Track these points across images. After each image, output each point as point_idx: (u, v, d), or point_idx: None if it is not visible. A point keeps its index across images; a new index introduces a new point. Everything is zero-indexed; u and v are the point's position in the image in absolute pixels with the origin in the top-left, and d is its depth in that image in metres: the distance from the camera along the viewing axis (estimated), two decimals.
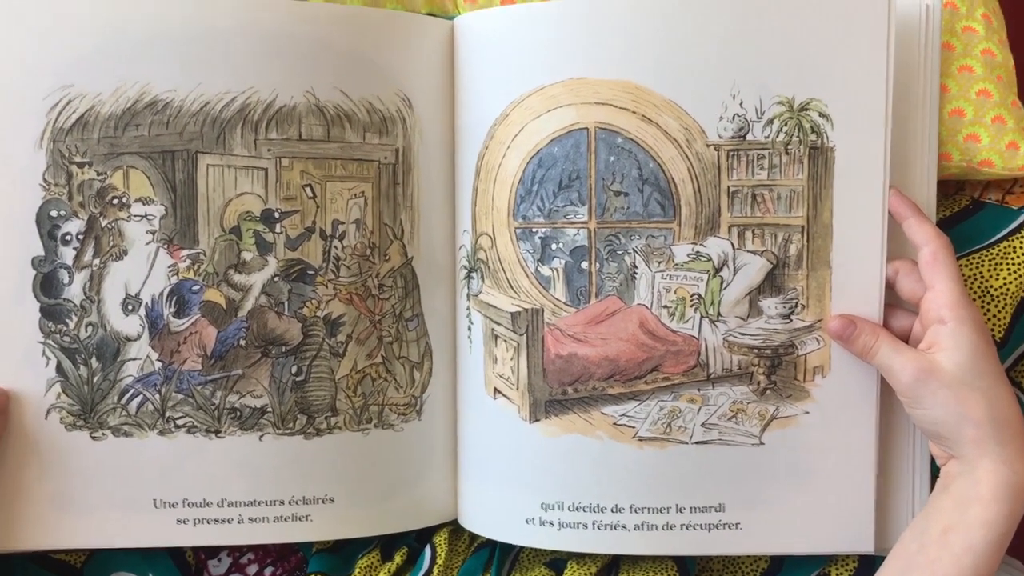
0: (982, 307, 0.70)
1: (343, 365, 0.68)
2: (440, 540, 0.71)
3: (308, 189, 0.67)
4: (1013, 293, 0.69)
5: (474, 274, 0.69)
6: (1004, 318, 0.70)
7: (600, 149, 0.66)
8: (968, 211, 0.72)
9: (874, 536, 0.67)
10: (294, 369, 0.68)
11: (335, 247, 0.68)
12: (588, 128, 0.66)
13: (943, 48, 0.69)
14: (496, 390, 0.69)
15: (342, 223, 0.68)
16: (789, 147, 0.65)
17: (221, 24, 0.65)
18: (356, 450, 0.69)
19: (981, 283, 0.70)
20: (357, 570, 0.70)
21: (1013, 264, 0.70)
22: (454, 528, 0.72)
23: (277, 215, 0.67)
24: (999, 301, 0.70)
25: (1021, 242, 0.70)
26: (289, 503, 0.68)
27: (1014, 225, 0.70)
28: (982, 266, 0.70)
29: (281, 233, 0.67)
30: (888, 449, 0.68)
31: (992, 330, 0.70)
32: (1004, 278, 0.70)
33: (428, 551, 0.71)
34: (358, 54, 0.67)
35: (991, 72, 0.70)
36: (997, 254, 0.70)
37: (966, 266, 0.70)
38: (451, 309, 0.71)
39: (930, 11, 0.67)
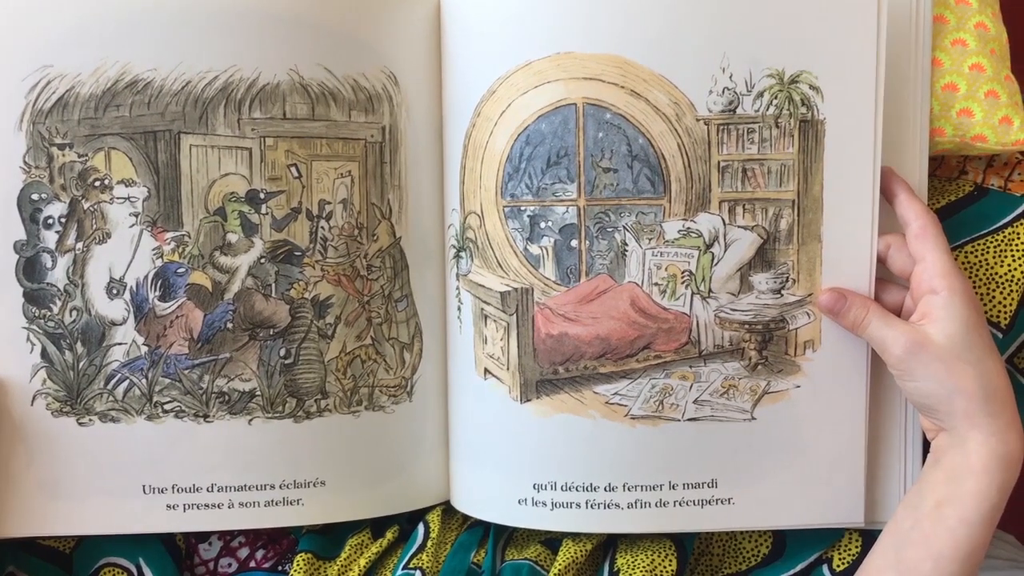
0: (987, 293, 0.70)
1: (332, 347, 0.68)
2: (433, 518, 0.71)
3: (293, 169, 0.66)
4: (1018, 279, 0.69)
5: (463, 253, 0.69)
6: (1010, 304, 0.70)
7: (588, 125, 0.65)
8: (972, 197, 0.71)
9: (864, 509, 0.67)
10: (282, 352, 0.67)
11: (322, 227, 0.67)
12: (576, 104, 0.65)
13: (936, 21, 0.69)
14: (486, 370, 0.68)
15: (329, 203, 0.67)
16: (779, 120, 0.65)
17: (202, 2, 0.64)
18: (347, 433, 0.68)
19: (986, 270, 0.70)
20: (347, 548, 0.70)
21: (1018, 251, 0.69)
22: (447, 507, 0.72)
23: (262, 196, 0.66)
24: (1004, 287, 0.70)
25: None
26: (280, 487, 0.67)
27: (1018, 211, 0.70)
28: (987, 253, 0.70)
29: (267, 214, 0.66)
30: (879, 422, 0.68)
31: (997, 317, 0.70)
32: (1009, 264, 0.69)
33: (421, 528, 0.71)
34: (342, 30, 0.66)
35: (984, 46, 0.69)
36: (1002, 240, 0.70)
37: (971, 252, 0.70)
38: (441, 289, 0.71)
39: None
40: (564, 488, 0.67)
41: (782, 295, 0.66)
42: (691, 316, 0.66)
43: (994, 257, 0.70)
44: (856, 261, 0.65)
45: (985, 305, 0.70)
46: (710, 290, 0.66)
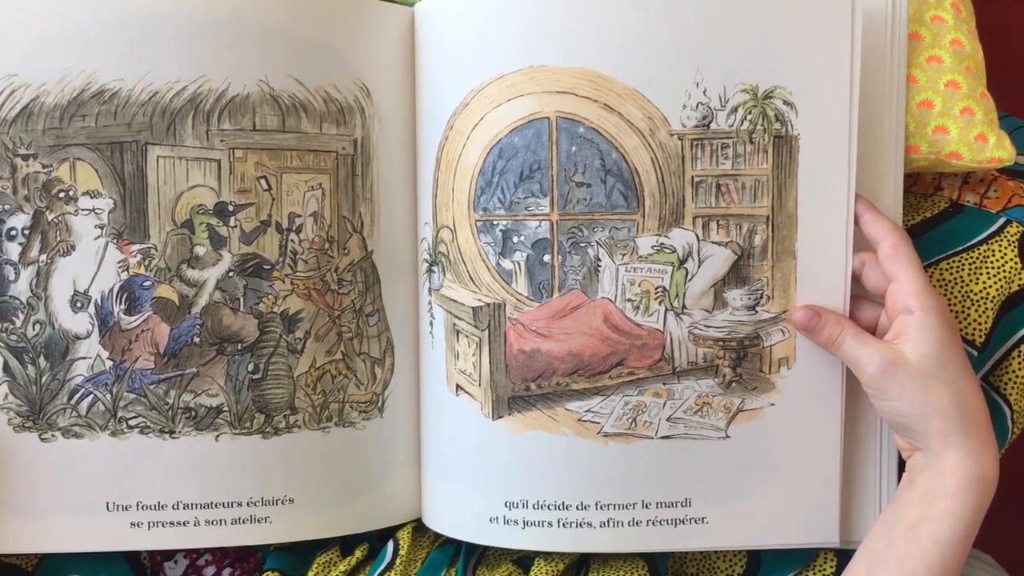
0: (962, 311, 0.70)
1: (302, 362, 0.67)
2: (403, 535, 0.70)
3: (263, 181, 0.65)
4: (993, 297, 0.69)
5: (435, 268, 0.68)
6: (985, 322, 0.69)
7: (561, 139, 0.65)
8: (947, 214, 0.71)
9: (839, 528, 0.67)
10: (251, 367, 0.66)
11: (292, 241, 0.66)
12: (549, 117, 0.65)
13: (911, 37, 0.69)
14: (458, 386, 0.67)
15: (299, 216, 0.66)
16: (753, 136, 0.64)
17: (170, 11, 0.63)
18: (316, 449, 0.67)
19: (961, 287, 0.70)
20: (315, 566, 0.69)
21: (993, 268, 0.69)
22: (418, 524, 0.71)
23: (231, 208, 0.65)
24: (980, 305, 0.69)
25: (1000, 246, 0.70)
26: (247, 505, 0.66)
27: (993, 229, 0.70)
28: (962, 269, 0.70)
29: (235, 227, 0.65)
30: (854, 441, 0.67)
31: (972, 334, 0.70)
32: (984, 282, 0.69)
33: (390, 546, 0.70)
34: (314, 41, 0.65)
35: (960, 63, 0.69)
36: (977, 257, 0.70)
37: (946, 269, 0.70)
38: (413, 304, 0.70)
39: None
40: (536, 506, 0.66)
41: (756, 312, 0.65)
42: (665, 332, 0.66)
43: (969, 274, 0.70)
44: (830, 277, 0.65)
45: (960, 323, 0.69)
46: (684, 306, 0.66)
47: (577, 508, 0.66)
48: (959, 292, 0.70)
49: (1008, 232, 0.70)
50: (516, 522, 0.66)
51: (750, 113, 0.64)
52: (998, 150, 0.68)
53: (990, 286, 0.69)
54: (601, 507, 0.66)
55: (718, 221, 0.65)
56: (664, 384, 0.66)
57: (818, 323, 0.64)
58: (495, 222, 0.66)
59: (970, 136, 0.68)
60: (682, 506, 0.66)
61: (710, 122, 0.64)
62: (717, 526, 0.67)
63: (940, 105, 0.68)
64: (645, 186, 0.65)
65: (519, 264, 0.66)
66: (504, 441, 0.66)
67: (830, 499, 0.67)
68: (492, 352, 0.66)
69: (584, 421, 0.66)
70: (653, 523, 0.66)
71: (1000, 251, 0.69)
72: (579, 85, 0.64)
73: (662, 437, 0.66)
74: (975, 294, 0.69)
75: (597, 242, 0.65)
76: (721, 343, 0.66)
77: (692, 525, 0.66)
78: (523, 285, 0.66)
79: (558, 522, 0.66)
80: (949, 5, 0.70)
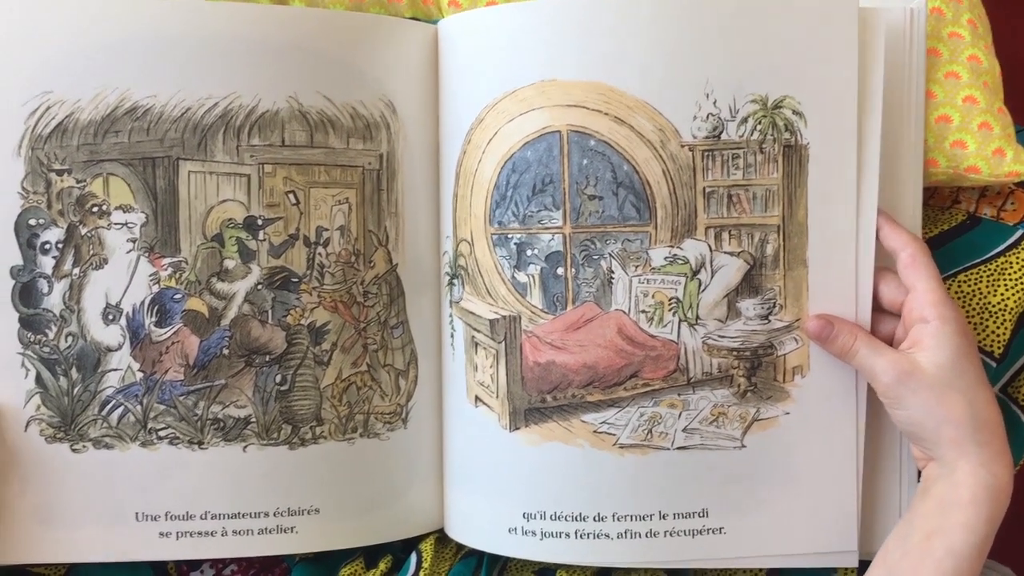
0: (980, 323, 0.70)
1: (328, 374, 0.68)
2: (426, 547, 0.71)
3: (291, 196, 0.66)
4: (1011, 308, 0.70)
5: (456, 281, 0.69)
6: (1003, 334, 0.70)
7: (573, 152, 0.65)
8: (965, 226, 0.72)
9: (859, 537, 0.67)
10: (278, 378, 0.67)
11: (319, 254, 0.67)
12: (560, 131, 0.65)
13: (929, 54, 0.69)
14: (477, 398, 0.68)
15: (326, 230, 0.67)
16: (764, 146, 0.65)
17: (202, 29, 0.64)
18: (342, 460, 0.68)
19: (979, 299, 0.70)
20: None
21: (1011, 280, 0.70)
22: (440, 536, 0.72)
23: (260, 222, 0.66)
24: (998, 317, 0.70)
25: (1018, 258, 0.70)
26: (274, 515, 0.67)
27: (1011, 241, 0.71)
28: (980, 282, 0.70)
29: (264, 240, 0.66)
30: (876, 451, 0.67)
31: (991, 346, 0.70)
32: (1002, 294, 0.70)
33: (414, 557, 0.70)
34: (341, 59, 0.67)
35: (977, 78, 0.70)
36: (995, 270, 0.70)
37: (964, 282, 0.70)
38: (437, 316, 0.71)
39: (915, 16, 0.66)
40: (553, 518, 0.66)
41: (769, 321, 0.66)
42: (679, 343, 0.66)
43: (987, 286, 0.70)
44: (842, 285, 0.65)
45: (979, 334, 0.70)
46: (697, 317, 0.66)
47: (594, 519, 0.66)
48: (977, 304, 0.70)
49: None
50: (534, 533, 0.67)
51: (760, 123, 0.64)
52: (1016, 164, 0.68)
53: (1008, 298, 0.70)
54: (618, 518, 0.66)
55: (730, 231, 0.66)
56: (679, 395, 0.66)
57: (831, 332, 0.64)
58: (510, 235, 0.67)
59: (988, 151, 0.69)
60: (699, 517, 0.66)
61: (720, 133, 0.64)
62: (735, 536, 0.66)
63: (958, 120, 0.69)
64: (657, 198, 0.65)
65: (533, 277, 0.66)
66: (521, 452, 0.67)
67: (848, 507, 0.66)
68: (509, 364, 0.66)
69: (600, 433, 0.66)
70: (670, 534, 0.66)
71: (1018, 263, 0.70)
72: (589, 98, 0.65)
73: (678, 448, 0.66)
74: (993, 306, 0.70)
75: (610, 254, 0.66)
76: (735, 353, 0.66)
77: (710, 536, 0.66)
78: (537, 298, 0.66)
79: (575, 533, 0.66)
80: (966, 22, 0.70)
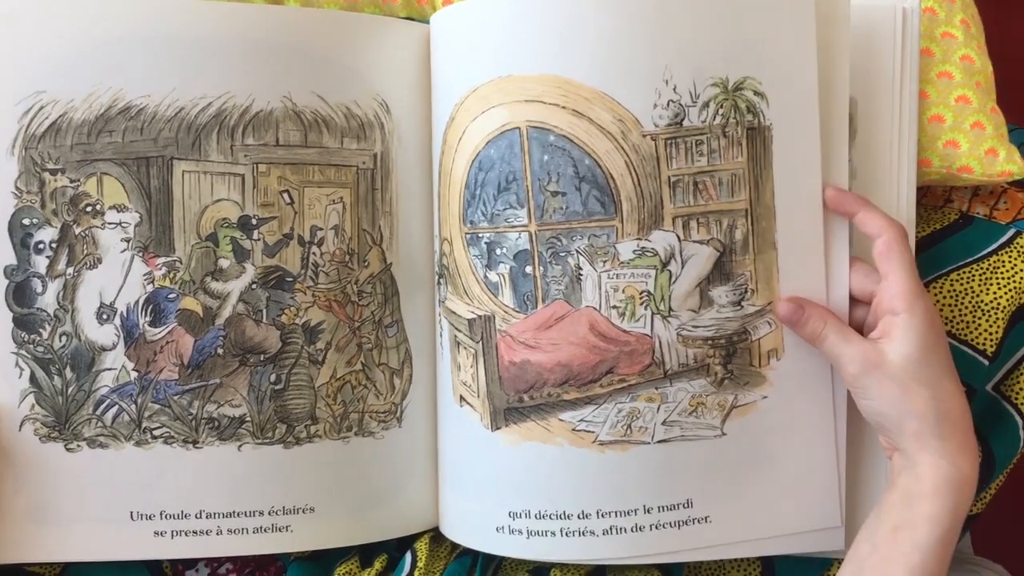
0: (973, 321, 0.70)
1: (323, 373, 0.68)
2: (421, 545, 0.71)
3: (286, 195, 0.67)
4: (1004, 307, 0.70)
5: (441, 280, 0.69)
6: (996, 332, 0.70)
7: (533, 149, 0.64)
8: (957, 225, 0.72)
9: (845, 514, 0.66)
10: (273, 377, 0.67)
11: (313, 253, 0.67)
12: (520, 127, 0.64)
13: (922, 54, 0.70)
14: (462, 398, 0.68)
15: (320, 229, 0.67)
16: (727, 130, 0.64)
17: (196, 29, 0.64)
18: (337, 459, 0.68)
19: (972, 297, 0.70)
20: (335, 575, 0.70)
21: (1003, 278, 0.70)
22: (435, 534, 0.72)
23: (254, 222, 0.66)
24: (990, 315, 0.70)
25: (1010, 256, 0.70)
26: (269, 514, 0.67)
27: (1003, 240, 0.71)
28: (973, 280, 0.70)
29: (259, 240, 0.66)
30: (858, 427, 0.67)
31: (983, 345, 0.70)
32: (994, 292, 0.70)
33: (409, 556, 0.70)
34: (335, 59, 0.67)
35: (970, 78, 0.70)
36: (987, 268, 0.70)
37: (957, 280, 0.71)
38: (431, 315, 0.71)
39: (908, 16, 0.66)
40: (539, 516, 0.66)
41: (742, 306, 0.65)
42: (653, 337, 0.65)
43: (980, 285, 0.70)
44: (813, 266, 0.65)
45: (971, 333, 0.70)
46: (670, 309, 0.65)
47: (579, 517, 0.65)
48: (970, 303, 0.70)
49: (1018, 243, 0.71)
50: (521, 532, 0.66)
51: (721, 107, 0.63)
52: (1008, 164, 0.69)
53: (1000, 296, 0.70)
54: (602, 515, 0.65)
55: (698, 219, 0.65)
56: (656, 388, 0.65)
57: (801, 316, 0.63)
58: (480, 235, 0.66)
59: (981, 150, 0.69)
60: (684, 508, 0.66)
61: (682, 119, 0.63)
62: (721, 523, 0.66)
63: (951, 120, 0.69)
64: (621, 190, 0.64)
65: (504, 276, 0.66)
66: (503, 452, 0.66)
67: (831, 482, 0.66)
68: (487, 364, 0.66)
69: (578, 431, 0.65)
70: (656, 527, 0.65)
71: (1010, 262, 0.70)
72: (546, 92, 0.63)
73: (658, 441, 0.65)
74: (986, 304, 0.70)
75: (577, 251, 0.64)
76: (710, 342, 0.65)
77: (696, 525, 0.66)
78: (509, 297, 0.66)
79: (561, 531, 0.66)
80: (959, 22, 0.71)
